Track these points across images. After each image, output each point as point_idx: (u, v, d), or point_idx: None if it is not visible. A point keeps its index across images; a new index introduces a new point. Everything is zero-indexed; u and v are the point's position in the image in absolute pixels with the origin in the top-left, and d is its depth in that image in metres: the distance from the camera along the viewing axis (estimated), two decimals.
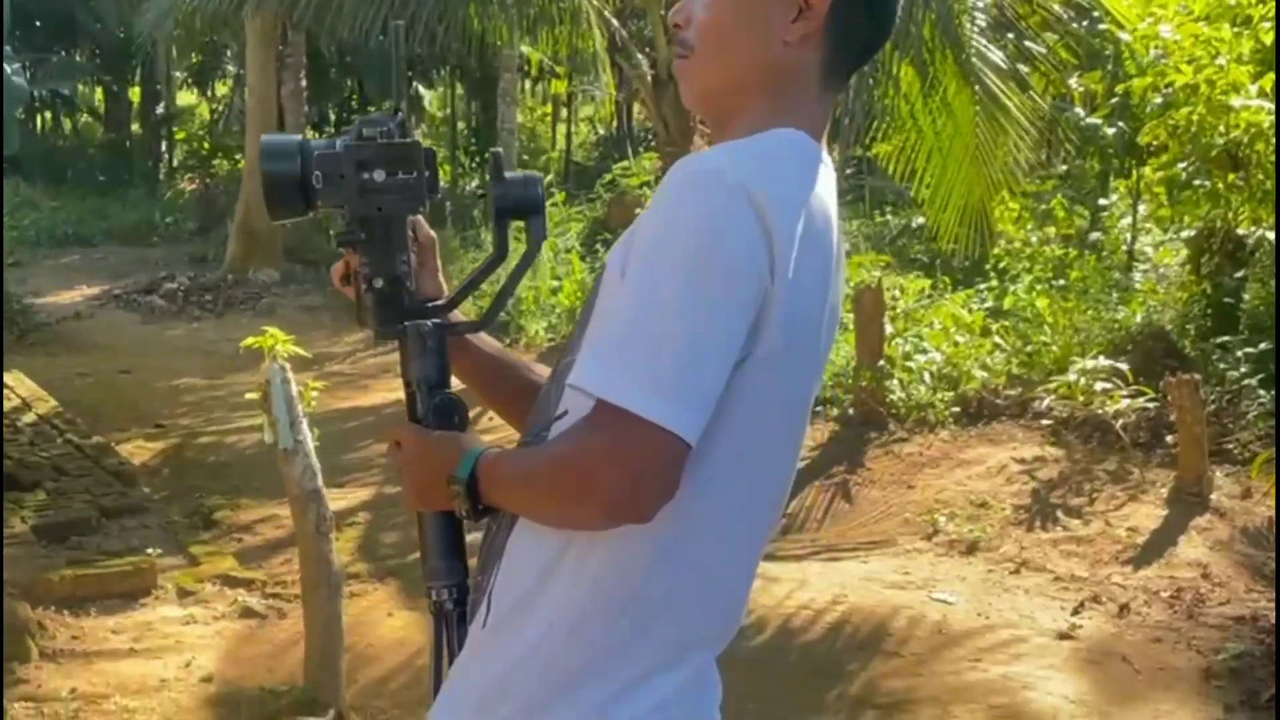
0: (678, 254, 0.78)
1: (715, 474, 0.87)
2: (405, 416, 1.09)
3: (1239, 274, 6.04)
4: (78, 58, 15.99)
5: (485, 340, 1.23)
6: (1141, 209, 6.92)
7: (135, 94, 17.92)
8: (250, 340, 3.23)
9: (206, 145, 17.27)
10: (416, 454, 1.03)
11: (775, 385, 0.87)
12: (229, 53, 13.34)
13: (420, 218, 1.17)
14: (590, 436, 0.79)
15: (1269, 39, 5.76)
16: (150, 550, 4.19)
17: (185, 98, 18.61)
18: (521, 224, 1.18)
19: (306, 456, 3.05)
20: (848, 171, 9.75)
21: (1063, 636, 3.66)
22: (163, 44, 11.06)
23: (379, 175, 1.07)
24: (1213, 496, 4.64)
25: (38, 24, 14.39)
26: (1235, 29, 5.80)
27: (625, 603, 0.90)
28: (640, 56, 7.34)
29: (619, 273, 0.83)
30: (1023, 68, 6.72)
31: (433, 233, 1.22)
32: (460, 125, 18.77)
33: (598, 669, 0.91)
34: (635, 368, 0.76)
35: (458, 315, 1.20)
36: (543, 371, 1.18)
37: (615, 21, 7.63)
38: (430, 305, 1.15)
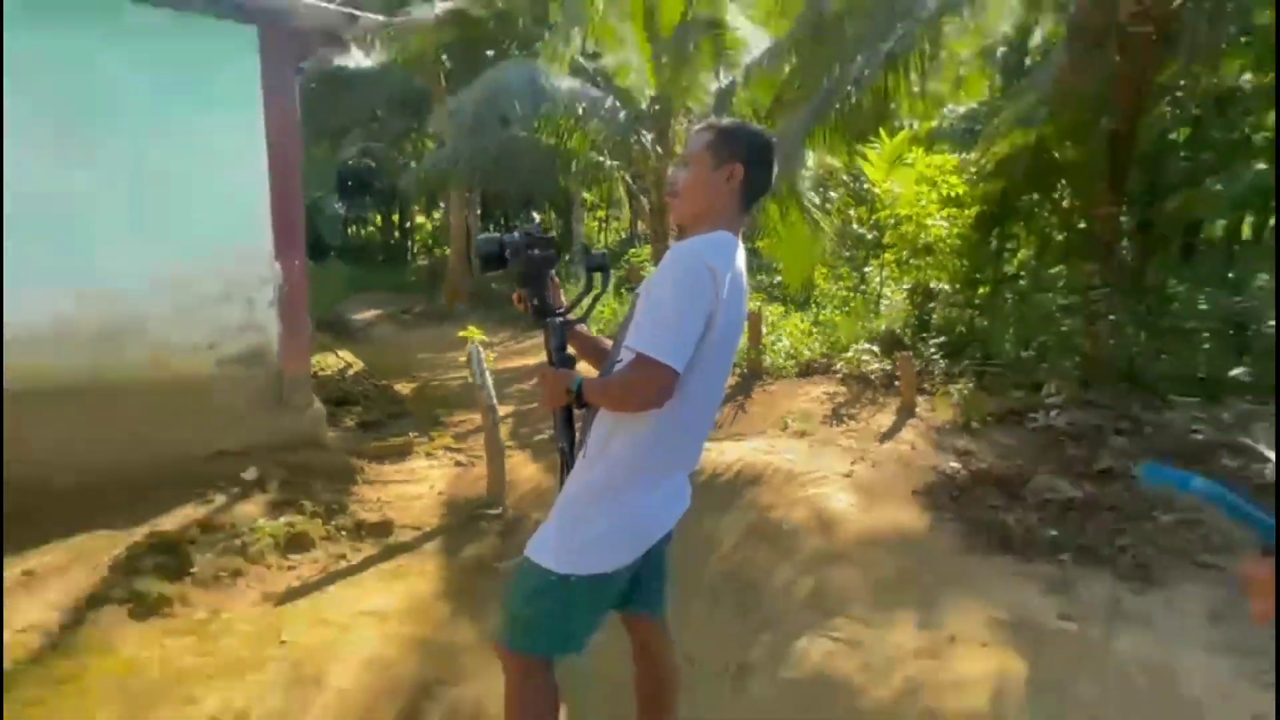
0: (675, 289, 1.47)
1: (688, 389, 1.49)
2: (546, 362, 1.76)
3: (930, 305, 7.93)
4: (368, 198, 21.72)
5: (584, 329, 1.85)
6: (885, 273, 8.75)
7: (395, 216, 24.67)
8: (463, 332, 4.84)
9: (431, 241, 24.02)
10: (551, 379, 1.66)
11: (716, 350, 1.55)
12: (440, 197, 17.54)
13: (552, 270, 1.84)
14: (636, 370, 1.44)
15: (946, 191, 7.93)
16: (411, 434, 5.52)
17: (420, 218, 25.32)
18: (598, 274, 1.92)
19: (487, 388, 4.12)
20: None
21: (845, 475, 4.48)
22: (410, 191, 15.52)
23: (535, 251, 1.77)
24: (917, 411, 5.66)
25: (349, 184, 20.34)
26: (930, 187, 7.92)
27: (647, 447, 1.58)
28: (642, 198, 9.90)
29: (645, 292, 1.55)
30: (827, 204, 9.09)
31: (556, 277, 1.87)
32: (553, 231, 22.75)
33: (636, 477, 1.59)
34: (657, 339, 1.42)
35: (571, 316, 1.82)
36: (608, 345, 1.85)
37: (630, 180, 10.36)
38: (558, 312, 1.78)
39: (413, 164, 15.30)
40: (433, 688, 2.55)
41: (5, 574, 3.19)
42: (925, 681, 2.73)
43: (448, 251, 16.28)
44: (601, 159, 10.58)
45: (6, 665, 2.57)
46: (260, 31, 4.36)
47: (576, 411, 1.69)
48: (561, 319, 1.77)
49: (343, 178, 20.22)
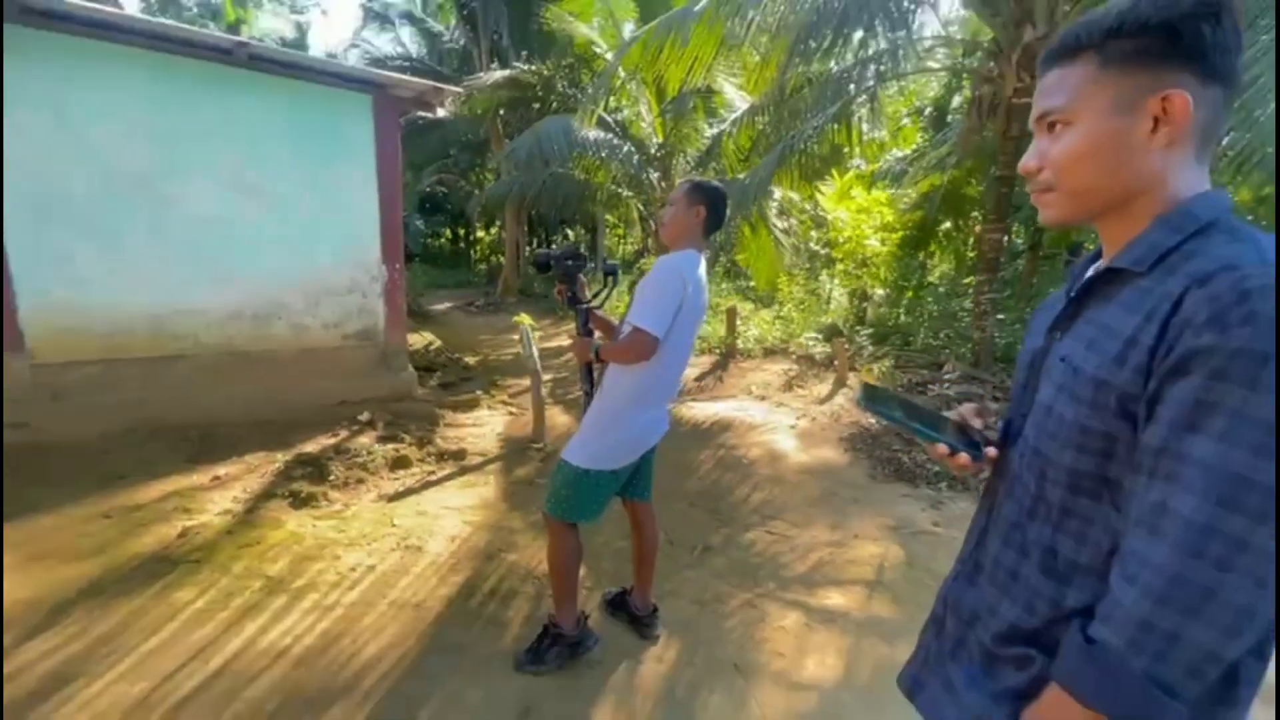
0: (658, 286, 1.83)
1: (666, 348, 1.85)
2: (577, 333, 2.06)
3: (864, 305, 8.22)
4: (442, 217, 22.09)
5: (601, 313, 2.14)
6: (835, 281, 8.92)
7: (462, 231, 24.54)
8: (516, 318, 5.06)
9: (489, 251, 23.45)
10: (579, 344, 2.01)
11: (683, 326, 1.89)
12: (497, 217, 18.06)
13: (581, 273, 2.13)
14: (634, 337, 1.80)
15: (880, 219, 8.11)
16: (478, 391, 5.68)
17: (481, 232, 24.67)
18: (610, 277, 2.21)
19: (534, 358, 4.37)
20: (723, 261, 12.33)
21: (791, 427, 4.91)
22: (474, 212, 15.48)
23: (570, 261, 2.08)
24: (848, 383, 5.96)
25: (428, 206, 20.60)
26: (867, 216, 8.12)
27: (639, 386, 1.93)
28: (650, 221, 10.02)
29: (640, 290, 1.88)
30: (790, 227, 9.30)
31: (584, 278, 2.14)
32: (582, 246, 23.15)
33: (632, 406, 1.94)
34: (647, 317, 1.81)
35: (593, 305, 2.13)
36: (616, 322, 2.16)
37: (641, 207, 10.46)
38: (585, 301, 2.08)
39: (476, 192, 15.61)
40: (495, 554, 2.92)
41: (201, 478, 3.58)
42: (831, 560, 3.09)
43: (502, 258, 16.63)
44: (620, 190, 10.89)
45: (214, 534, 2.96)
46: (373, 99, 4.67)
47: (595, 366, 2.04)
48: (586, 306, 2.09)
49: (423, 201, 20.59)
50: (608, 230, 18.17)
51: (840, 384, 6.21)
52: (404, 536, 3.02)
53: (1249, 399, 0.60)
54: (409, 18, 15.52)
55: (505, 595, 2.59)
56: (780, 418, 5.35)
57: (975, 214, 10.12)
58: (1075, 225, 0.86)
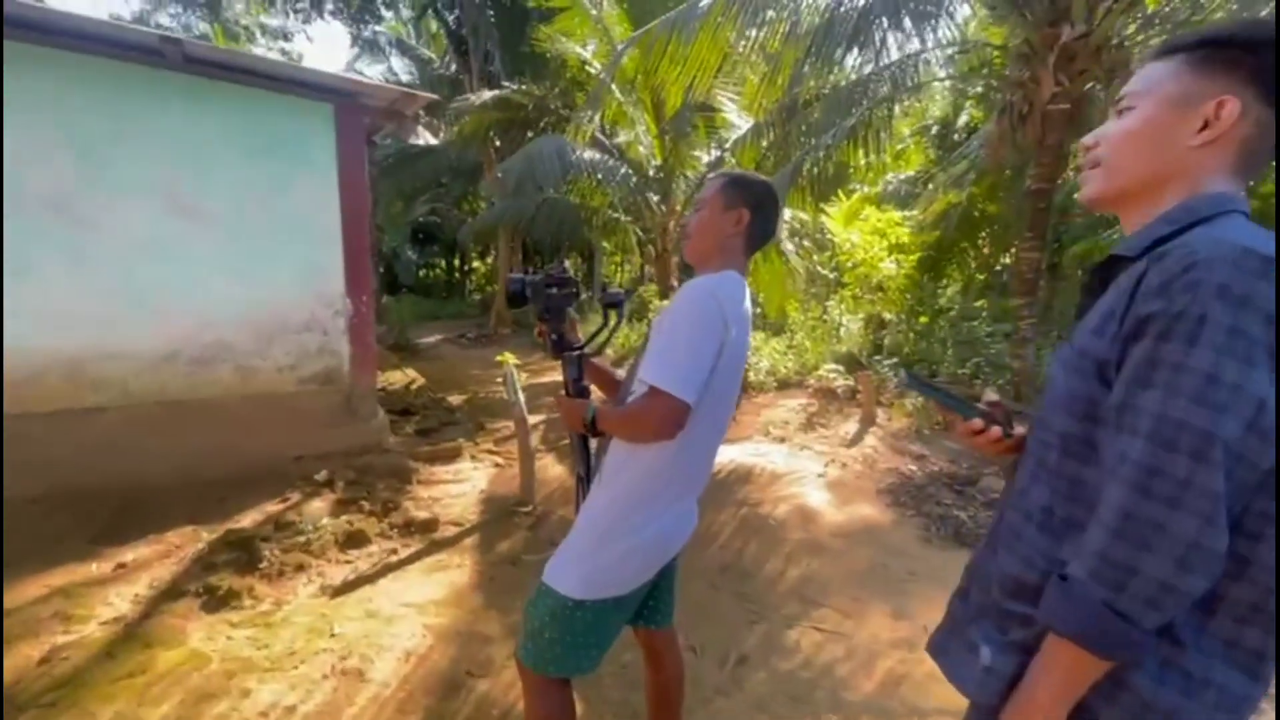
0: (688, 324, 1.19)
1: (697, 417, 1.21)
2: (564, 390, 1.47)
3: (883, 332, 7.61)
4: (435, 247, 21.65)
5: (600, 362, 1.57)
6: (843, 307, 8.30)
7: (456, 261, 24.10)
8: (500, 357, 4.49)
9: (484, 281, 22.94)
10: (569, 407, 1.40)
11: (723, 381, 1.26)
12: (491, 245, 17.23)
13: (570, 308, 1.51)
14: (650, 402, 1.16)
15: (894, 239, 7.66)
16: (460, 439, 4.93)
17: (476, 262, 24.52)
18: (614, 310, 1.59)
19: (519, 404, 3.78)
20: None
21: (820, 475, 4.26)
22: (466, 241, 14.85)
23: (554, 290, 1.48)
24: (876, 420, 5.41)
25: (421, 236, 20.32)
26: (880, 237, 7.64)
27: (658, 475, 1.29)
28: (650, 245, 9.51)
29: (658, 327, 1.25)
30: (800, 251, 8.81)
31: (575, 315, 1.56)
32: (578, 273, 22.75)
33: (648, 505, 1.29)
34: (670, 373, 1.15)
35: (587, 350, 1.53)
36: (620, 375, 1.57)
37: (640, 232, 10.02)
38: (575, 345, 1.50)
39: (469, 220, 15.06)
40: (462, 680, 2.18)
41: (103, 568, 2.85)
42: (906, 674, 2.35)
43: (496, 288, 16.05)
44: (617, 215, 10.33)
45: (87, 659, 2.22)
46: (335, 107, 4.05)
47: (594, 439, 1.43)
48: (578, 352, 1.49)
49: (415, 231, 20.11)
50: (606, 258, 17.66)
51: (868, 422, 5.52)
52: (344, 653, 2.29)
53: (1189, 353, 0.67)
54: (399, 45, 15.15)
55: None
56: (805, 464, 4.69)
57: (985, 234, 9.59)
58: (1106, 206, 0.88)
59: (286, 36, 17.91)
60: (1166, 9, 5.35)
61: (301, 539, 3.01)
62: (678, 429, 1.18)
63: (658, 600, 1.50)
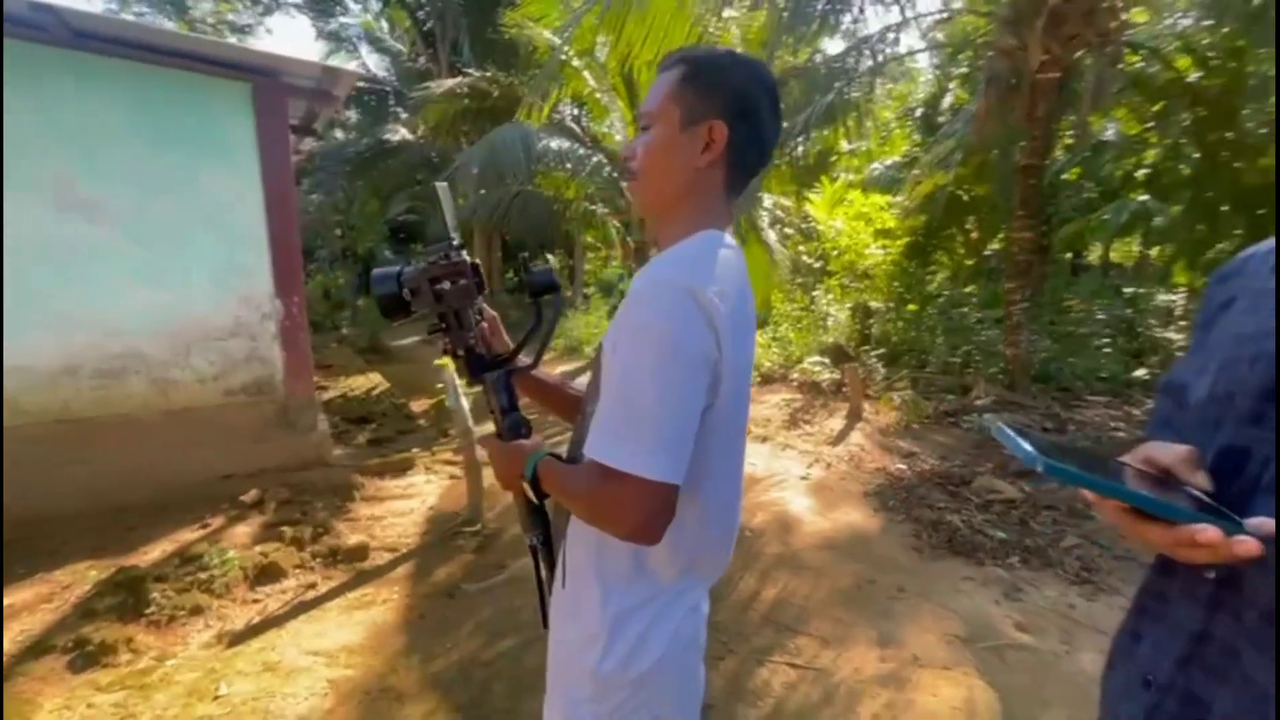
0: (650, 348, 0.70)
1: (706, 477, 0.78)
2: (495, 434, 0.97)
3: (870, 321, 7.32)
4: (418, 247, 20.46)
5: (541, 373, 1.07)
6: (830, 296, 8.01)
7: None
8: (438, 361, 3.85)
9: None
10: (498, 458, 0.90)
11: (729, 415, 0.78)
12: (470, 241, 16.92)
13: (483, 303, 1.01)
14: (602, 486, 0.71)
15: (880, 225, 7.39)
16: (415, 450, 4.54)
17: None
18: (547, 298, 1.05)
19: (462, 411, 3.35)
20: None
21: (802, 478, 4.07)
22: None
23: (445, 285, 0.97)
24: (863, 415, 5.20)
25: (400, 236, 18.84)
26: (866, 223, 7.38)
27: (659, 569, 0.82)
28: (629, 238, 9.09)
29: (611, 349, 0.75)
30: (783, 239, 8.44)
31: (493, 312, 1.06)
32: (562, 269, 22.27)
33: (650, 622, 0.81)
34: (629, 441, 0.69)
35: (517, 364, 1.03)
36: (580, 385, 1.03)
37: (621, 225, 9.62)
38: (499, 358, 1.03)
39: None
40: None
41: None
42: None
43: None
44: (594, 207, 9.94)
45: None
46: (253, 87, 3.65)
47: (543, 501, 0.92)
48: (504, 370, 1.01)
49: (393, 230, 19.58)
50: (589, 252, 17.29)
51: (855, 417, 5.20)
52: (227, 718, 1.90)
53: None
54: (370, 39, 14.65)
55: None
56: (788, 465, 4.40)
57: (973, 218, 9.27)
58: None
59: (249, 31, 17.35)
60: None
61: (204, 576, 2.62)
62: (662, 521, 0.72)
63: None
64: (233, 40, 18.71)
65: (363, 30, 15.30)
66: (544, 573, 0.97)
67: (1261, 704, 0.53)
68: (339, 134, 15.75)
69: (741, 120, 0.80)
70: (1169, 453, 0.57)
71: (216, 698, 2.01)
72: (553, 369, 1.15)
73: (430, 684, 2.11)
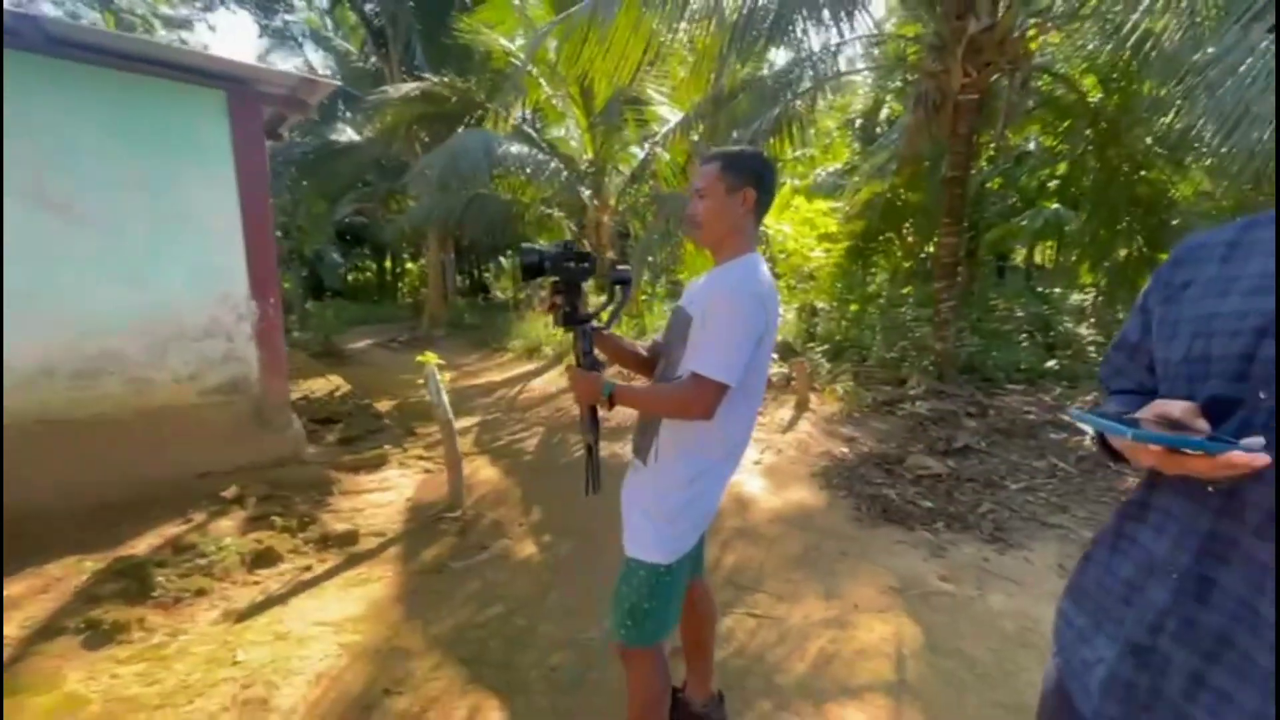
0: (732, 319, 1.30)
1: (738, 395, 1.37)
2: (575, 363, 1.50)
3: (815, 319, 7.85)
4: (364, 248, 21.05)
5: (613, 335, 1.59)
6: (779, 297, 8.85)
7: (388, 263, 23.45)
8: (420, 357, 3.97)
9: (418, 283, 21.58)
10: (581, 381, 1.45)
11: (762, 358, 1.39)
12: (422, 245, 16.57)
13: (585, 282, 1.53)
14: (695, 387, 1.32)
15: (822, 229, 7.94)
16: (386, 446, 4.73)
17: (409, 264, 23.60)
18: (620, 287, 1.60)
19: (443, 404, 3.59)
20: (664, 282, 11.87)
21: (755, 463, 4.40)
22: (394, 241, 15.09)
23: (572, 264, 1.50)
24: (810, 406, 5.57)
25: (348, 238, 19.82)
26: (810, 228, 7.87)
27: (716, 450, 1.44)
28: (585, 241, 9.18)
29: (701, 320, 1.35)
30: None
31: (585, 287, 1.57)
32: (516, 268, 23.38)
33: (708, 474, 1.43)
34: (716, 363, 1.30)
35: (597, 324, 1.56)
36: (632, 347, 1.65)
37: (575, 228, 9.99)
38: (588, 317, 1.53)
39: (395, 219, 14.50)
40: (378, 699, 2.05)
41: None
42: (836, 653, 2.37)
43: (427, 291, 15.52)
44: (550, 211, 10.17)
45: None
46: (228, 95, 3.77)
47: (603, 414, 1.53)
48: (591, 325, 1.53)
49: (340, 232, 19.23)
50: None
51: (802, 408, 5.63)
52: (246, 682, 2.11)
53: None
54: (315, 37, 14.40)
55: None
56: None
57: (909, 223, 9.96)
58: None
59: (186, 25, 16.72)
60: (1061, 4, 5.66)
61: (203, 562, 2.77)
62: (716, 408, 1.32)
63: (697, 552, 1.66)
64: (163, 34, 17.98)
65: (307, 28, 15.02)
66: (596, 459, 1.54)
67: (1260, 574, 0.69)
68: (284, 133, 15.39)
69: (761, 186, 1.43)
70: (1176, 407, 0.74)
71: (235, 663, 2.21)
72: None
73: (433, 643, 2.35)
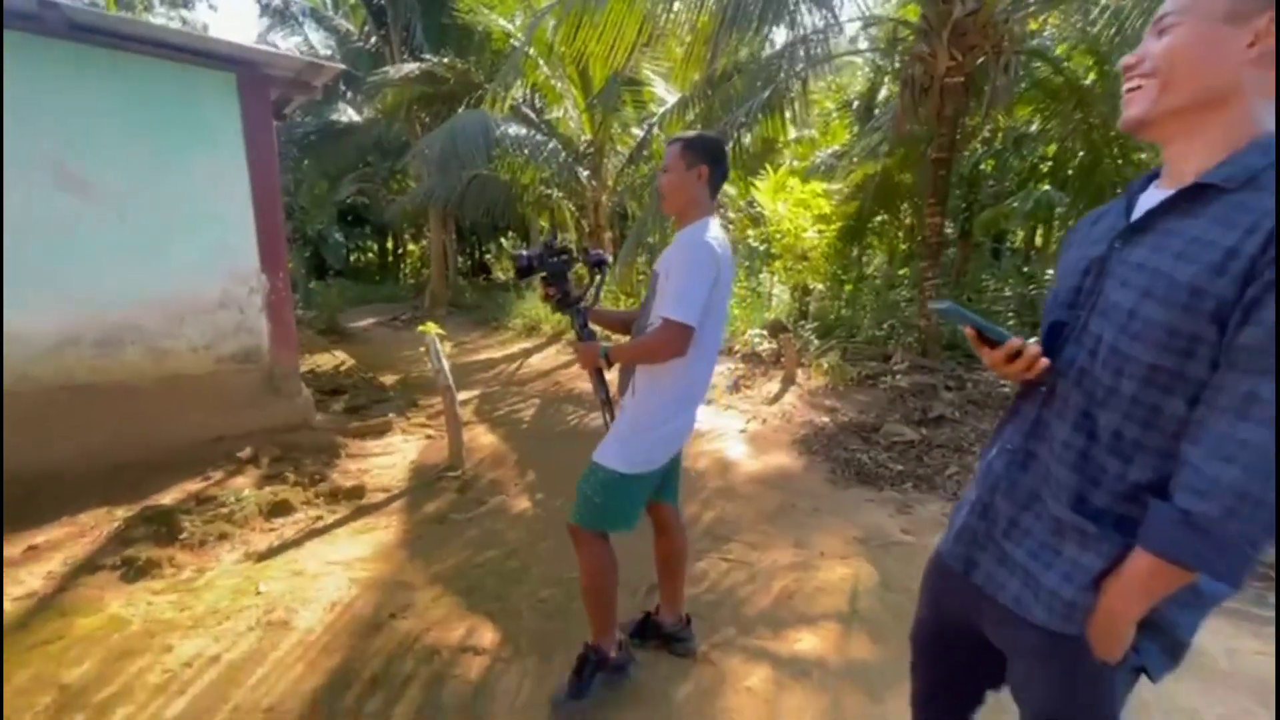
0: (688, 267, 1.58)
1: (701, 336, 1.63)
2: (577, 339, 1.83)
3: (808, 299, 8.04)
4: (366, 229, 21.00)
5: (599, 308, 1.94)
6: (775, 277, 8.67)
7: (390, 244, 23.54)
8: (422, 327, 4.25)
9: (419, 263, 22.35)
10: (582, 350, 1.79)
11: (719, 303, 1.66)
12: (425, 224, 16.53)
13: (569, 271, 1.87)
14: (666, 331, 1.59)
15: (816, 210, 7.98)
16: (390, 415, 4.95)
17: (410, 245, 23.83)
18: (598, 268, 1.93)
19: (444, 371, 3.82)
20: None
21: (741, 431, 4.64)
22: (395, 222, 15.15)
23: (554, 259, 1.86)
24: (796, 380, 5.77)
25: (350, 219, 19.76)
26: (805, 209, 7.89)
27: (678, 385, 1.73)
28: (583, 221, 9.34)
29: (664, 275, 1.63)
30: (729, 224, 8.93)
31: (571, 275, 1.91)
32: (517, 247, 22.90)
33: (671, 406, 1.73)
34: (679, 307, 1.57)
35: (584, 305, 1.89)
36: (619, 313, 2.00)
37: (574, 208, 10.19)
38: (579, 298, 1.89)
39: (397, 199, 14.64)
40: (385, 621, 2.31)
41: (11, 550, 2.81)
42: (798, 589, 2.62)
43: (429, 271, 15.70)
44: (549, 191, 10.31)
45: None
46: (238, 77, 3.96)
47: (607, 371, 1.83)
48: (581, 305, 1.87)
49: (342, 213, 19.35)
50: (541, 235, 17.47)
51: (789, 381, 5.85)
52: (268, 608, 2.37)
53: None
54: (315, 16, 14.44)
55: (393, 683, 1.99)
56: (728, 422, 4.99)
57: (904, 205, 10.09)
58: (1151, 128, 0.86)
59: (186, 4, 16.74)
60: None
61: (224, 511, 3.04)
62: (687, 346, 1.59)
63: (669, 480, 1.95)
64: (162, 11, 17.99)
65: (307, 6, 15.03)
66: (610, 408, 1.85)
67: (1060, 448, 0.92)
68: (287, 114, 15.47)
69: (714, 163, 1.72)
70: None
71: (258, 594, 2.47)
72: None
73: (434, 579, 2.62)
